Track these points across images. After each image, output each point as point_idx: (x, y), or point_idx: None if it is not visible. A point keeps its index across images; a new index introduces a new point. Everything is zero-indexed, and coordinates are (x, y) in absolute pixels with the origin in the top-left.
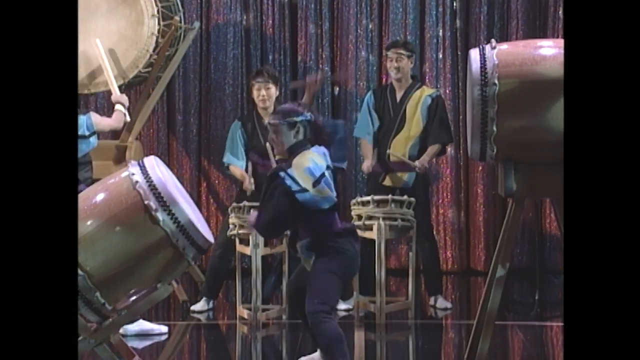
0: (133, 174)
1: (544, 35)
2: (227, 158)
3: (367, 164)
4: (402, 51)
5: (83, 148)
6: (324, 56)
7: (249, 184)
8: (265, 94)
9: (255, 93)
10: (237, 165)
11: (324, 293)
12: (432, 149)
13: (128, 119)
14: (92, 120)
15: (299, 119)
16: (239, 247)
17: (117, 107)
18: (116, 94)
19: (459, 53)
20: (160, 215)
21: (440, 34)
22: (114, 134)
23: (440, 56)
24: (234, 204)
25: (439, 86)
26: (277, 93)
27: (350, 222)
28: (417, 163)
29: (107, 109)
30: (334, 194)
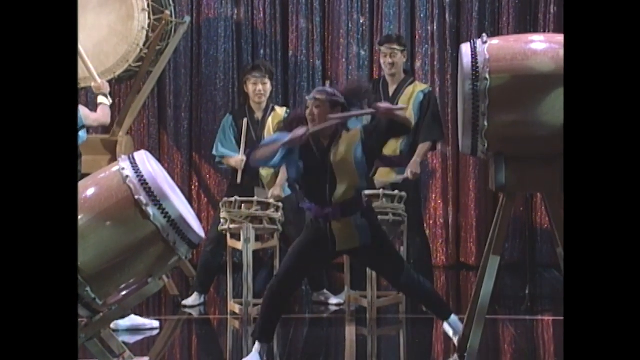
0: (123, 169)
1: (534, 30)
2: (218, 150)
3: None
4: (395, 46)
5: None
6: (315, 51)
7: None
8: (262, 88)
9: (250, 87)
10: (229, 154)
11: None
12: (423, 147)
13: (110, 100)
14: (81, 114)
15: (341, 100)
16: (230, 242)
17: (100, 99)
18: (97, 81)
19: (450, 48)
20: (151, 210)
21: (431, 28)
22: (105, 128)
23: (431, 51)
24: (225, 199)
25: (429, 81)
26: (272, 88)
27: None
28: (408, 171)
29: (96, 104)
30: None
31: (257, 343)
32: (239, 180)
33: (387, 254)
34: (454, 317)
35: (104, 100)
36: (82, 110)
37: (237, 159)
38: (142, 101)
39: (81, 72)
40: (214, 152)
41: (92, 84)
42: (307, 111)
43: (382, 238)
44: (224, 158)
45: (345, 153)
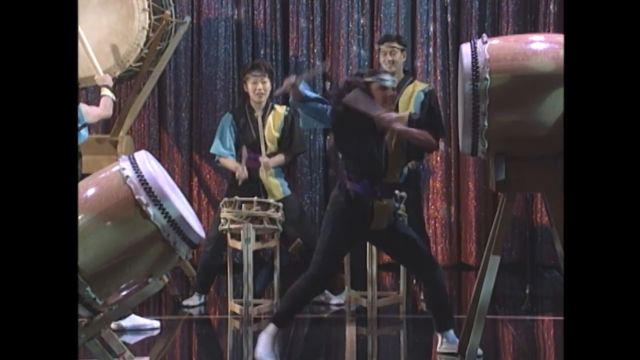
0: (124, 169)
1: (535, 30)
2: (217, 149)
3: None
4: (395, 45)
5: None
6: (315, 51)
7: (242, 171)
8: (262, 87)
9: (250, 87)
10: (227, 156)
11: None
12: None
13: (114, 97)
14: (82, 112)
15: None
16: (231, 242)
17: (104, 92)
18: (99, 75)
19: (450, 48)
20: (151, 210)
21: (432, 28)
22: (105, 128)
23: (432, 51)
24: (225, 199)
25: (429, 81)
26: (271, 87)
27: None
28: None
29: (97, 103)
30: None
31: (272, 325)
32: (241, 181)
33: (408, 239)
34: (452, 332)
35: (107, 93)
36: (83, 108)
37: (234, 163)
38: (143, 101)
39: (81, 72)
40: (211, 150)
41: (95, 77)
42: (387, 93)
43: (400, 223)
44: (221, 158)
45: (399, 139)
